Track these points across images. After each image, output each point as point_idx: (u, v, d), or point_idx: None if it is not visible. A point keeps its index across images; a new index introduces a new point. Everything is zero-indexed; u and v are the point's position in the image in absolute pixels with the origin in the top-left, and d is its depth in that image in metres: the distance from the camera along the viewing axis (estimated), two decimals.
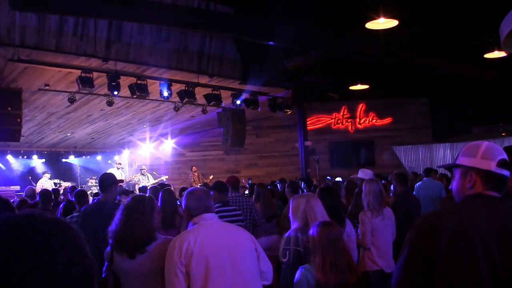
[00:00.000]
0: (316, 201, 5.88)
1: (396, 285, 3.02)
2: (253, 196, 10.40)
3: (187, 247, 4.30)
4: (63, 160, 25.98)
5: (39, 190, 12.31)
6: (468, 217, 2.95)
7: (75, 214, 8.66)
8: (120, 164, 23.21)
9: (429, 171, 13.71)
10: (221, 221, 4.84)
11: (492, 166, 3.04)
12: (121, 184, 19.84)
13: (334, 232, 5.02)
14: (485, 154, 3.07)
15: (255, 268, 4.56)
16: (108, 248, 5.03)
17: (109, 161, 26.03)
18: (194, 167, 23.51)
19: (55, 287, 1.31)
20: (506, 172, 3.05)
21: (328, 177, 19.80)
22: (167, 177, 22.61)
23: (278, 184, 15.05)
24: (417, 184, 13.23)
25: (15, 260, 1.29)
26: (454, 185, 3.26)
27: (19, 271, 1.28)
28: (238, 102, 19.11)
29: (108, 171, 21.18)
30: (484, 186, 3.05)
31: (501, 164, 3.04)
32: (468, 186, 3.11)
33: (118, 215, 4.94)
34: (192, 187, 5.01)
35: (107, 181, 7.43)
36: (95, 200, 9.27)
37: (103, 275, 5.11)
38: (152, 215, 4.92)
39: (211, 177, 22.67)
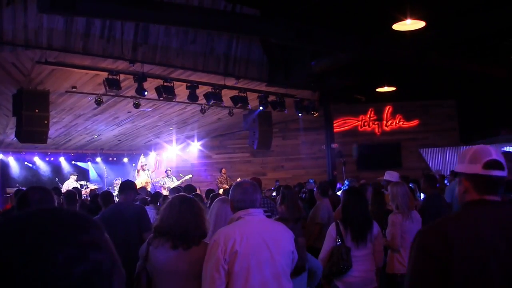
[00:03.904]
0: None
1: None
2: (278, 198, 10.38)
3: (233, 245, 4.24)
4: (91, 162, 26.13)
5: (64, 192, 12.37)
6: (475, 224, 2.96)
7: (99, 216, 8.76)
8: (146, 165, 23.27)
9: (457, 174, 13.60)
10: (267, 219, 4.79)
11: (478, 169, 3.04)
12: (146, 185, 19.95)
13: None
14: (472, 157, 3.10)
15: (289, 269, 4.54)
16: (144, 245, 5.03)
17: (134, 164, 26.10)
18: (223, 169, 23.45)
19: None
20: (495, 172, 3.02)
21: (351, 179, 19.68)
22: (191, 176, 22.64)
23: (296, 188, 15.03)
24: (448, 187, 13.11)
25: (10, 264, 1.18)
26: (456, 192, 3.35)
27: (12, 275, 1.17)
28: (261, 108, 19.15)
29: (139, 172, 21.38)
30: (477, 190, 3.06)
31: (488, 165, 3.02)
32: (462, 191, 3.15)
33: (173, 209, 4.95)
34: (240, 180, 4.94)
35: (123, 185, 8.19)
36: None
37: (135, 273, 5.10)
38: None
39: (238, 179, 22.57)
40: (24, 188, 14.10)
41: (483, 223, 2.96)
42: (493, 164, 3.02)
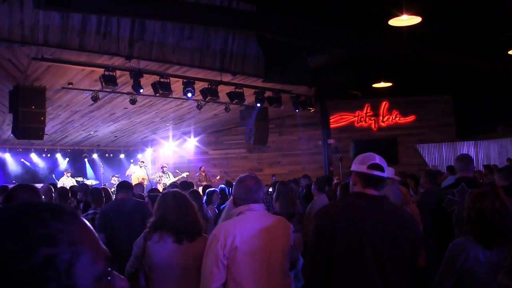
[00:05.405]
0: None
1: (305, 261, 4.08)
2: (274, 194, 10.34)
3: (232, 241, 4.24)
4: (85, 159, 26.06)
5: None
6: (356, 210, 4.05)
7: (90, 211, 8.73)
8: (143, 162, 23.23)
9: (454, 169, 13.59)
10: (267, 213, 4.77)
11: (363, 168, 4.11)
12: (143, 181, 19.92)
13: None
14: (361, 160, 4.18)
15: (288, 264, 4.56)
16: (140, 241, 5.03)
17: (132, 160, 26.09)
18: (203, 167, 23.44)
19: None
20: (375, 172, 4.08)
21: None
22: (188, 173, 22.63)
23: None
24: (444, 182, 13.09)
25: None
26: None
27: None
28: (258, 104, 19.14)
29: (130, 168, 21.34)
30: (362, 185, 4.14)
31: (371, 167, 4.08)
32: (353, 184, 4.27)
33: (175, 204, 4.99)
34: (244, 175, 4.80)
35: (122, 184, 8.47)
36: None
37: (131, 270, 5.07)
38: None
39: (218, 177, 22.53)
40: (10, 185, 14.09)
41: (360, 210, 4.03)
42: (375, 166, 4.09)
